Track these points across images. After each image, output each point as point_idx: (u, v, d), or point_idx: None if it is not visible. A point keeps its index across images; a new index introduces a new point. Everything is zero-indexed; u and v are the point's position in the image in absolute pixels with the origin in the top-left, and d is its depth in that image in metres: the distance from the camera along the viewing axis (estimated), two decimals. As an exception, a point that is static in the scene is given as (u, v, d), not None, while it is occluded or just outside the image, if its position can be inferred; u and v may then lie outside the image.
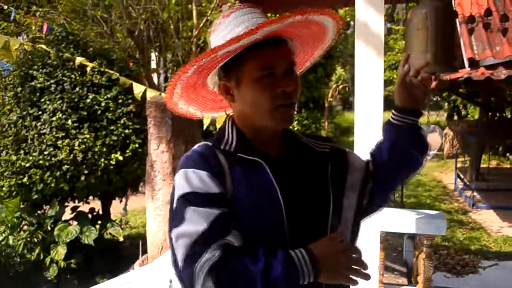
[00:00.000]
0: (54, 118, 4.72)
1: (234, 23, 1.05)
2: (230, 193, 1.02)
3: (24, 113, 4.82)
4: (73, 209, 5.22)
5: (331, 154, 1.19)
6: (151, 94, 4.98)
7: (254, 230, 1.00)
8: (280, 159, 1.12)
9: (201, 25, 8.03)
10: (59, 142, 4.66)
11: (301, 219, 1.05)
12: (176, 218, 0.99)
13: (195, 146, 1.11)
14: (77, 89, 4.93)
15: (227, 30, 1.05)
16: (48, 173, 4.63)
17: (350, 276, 0.97)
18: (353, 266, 0.97)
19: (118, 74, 5.14)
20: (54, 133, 4.70)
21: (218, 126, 5.39)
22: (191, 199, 0.99)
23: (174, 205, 1.01)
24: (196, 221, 0.96)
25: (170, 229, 1.00)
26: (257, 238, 0.99)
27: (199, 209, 0.97)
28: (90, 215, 5.30)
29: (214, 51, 0.99)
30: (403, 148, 1.19)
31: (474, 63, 6.28)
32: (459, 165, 9.50)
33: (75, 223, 4.99)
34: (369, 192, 1.22)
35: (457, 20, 6.08)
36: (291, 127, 1.20)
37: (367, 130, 2.59)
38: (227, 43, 0.97)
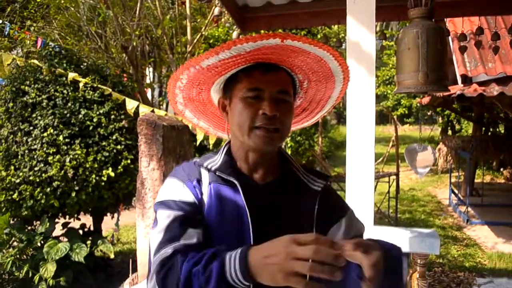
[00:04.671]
0: (45, 134, 4.67)
1: None
2: (204, 208, 1.07)
3: (15, 128, 4.77)
4: (64, 225, 5.15)
5: (323, 194, 1.16)
6: (144, 109, 4.96)
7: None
8: (264, 185, 1.13)
9: (195, 40, 8.07)
10: (50, 158, 4.61)
11: None
12: (154, 222, 1.07)
13: (184, 162, 1.19)
14: (69, 104, 4.89)
15: None
16: (38, 189, 4.57)
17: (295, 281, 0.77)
18: (299, 271, 0.77)
19: (110, 90, 5.12)
20: (45, 148, 4.64)
21: (211, 141, 5.39)
22: (165, 203, 1.07)
23: (154, 209, 1.10)
24: (161, 222, 1.03)
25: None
26: None
27: (166, 211, 1.05)
28: (81, 231, 5.23)
29: (196, 61, 1.02)
30: None
31: (467, 80, 6.32)
32: (453, 180, 9.50)
33: (65, 239, 4.91)
34: None
35: (449, 37, 6.13)
36: (293, 156, 1.19)
37: (359, 145, 2.62)
38: (207, 54, 0.99)
